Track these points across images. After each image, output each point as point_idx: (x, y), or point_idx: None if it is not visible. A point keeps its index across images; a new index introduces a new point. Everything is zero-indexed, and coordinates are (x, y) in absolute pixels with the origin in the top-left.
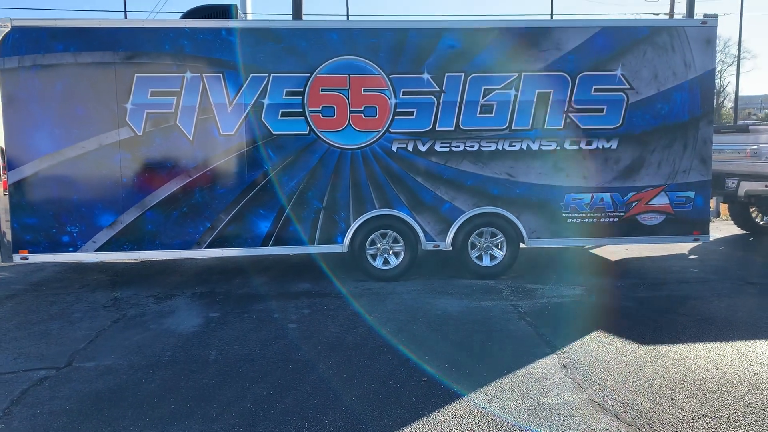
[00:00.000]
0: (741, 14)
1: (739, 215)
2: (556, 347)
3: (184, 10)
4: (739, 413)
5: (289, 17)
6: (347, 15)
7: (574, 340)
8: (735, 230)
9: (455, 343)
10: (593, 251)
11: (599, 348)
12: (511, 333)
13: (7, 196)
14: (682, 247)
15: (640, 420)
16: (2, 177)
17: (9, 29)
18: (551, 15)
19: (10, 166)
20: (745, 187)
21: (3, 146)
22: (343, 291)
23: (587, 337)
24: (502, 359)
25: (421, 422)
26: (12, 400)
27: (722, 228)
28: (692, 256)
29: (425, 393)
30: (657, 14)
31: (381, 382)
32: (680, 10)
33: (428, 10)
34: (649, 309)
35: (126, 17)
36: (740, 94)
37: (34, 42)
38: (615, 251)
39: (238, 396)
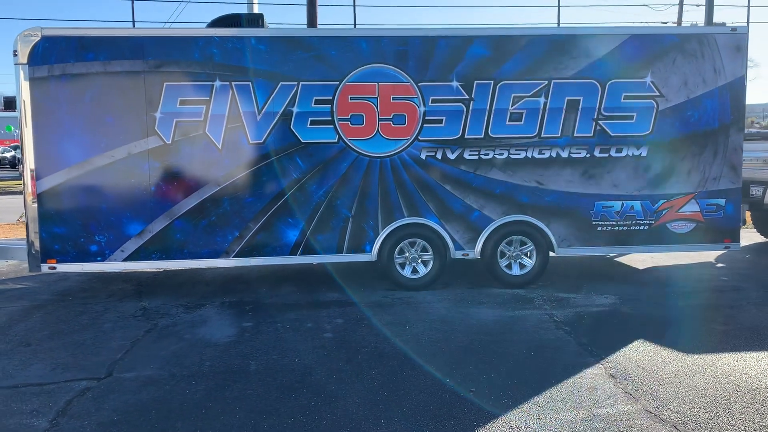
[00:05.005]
0: (748, 23)
1: (765, 223)
2: (600, 357)
3: (197, 19)
4: None
5: (303, 27)
6: (354, 25)
7: (616, 349)
8: (758, 238)
9: (498, 353)
10: (618, 259)
11: (644, 357)
12: (552, 343)
13: (36, 205)
14: (708, 255)
15: (700, 431)
16: (31, 186)
17: (39, 38)
18: (558, 24)
19: (38, 175)
20: None
21: (32, 155)
22: (374, 300)
23: (629, 346)
24: (548, 369)
25: None
26: (58, 411)
27: (745, 236)
28: (720, 264)
29: (477, 404)
30: (665, 23)
31: (429, 393)
32: (687, 19)
33: (431, 20)
34: (687, 317)
35: (134, 26)
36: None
37: (63, 51)
38: (641, 259)
39: (287, 406)
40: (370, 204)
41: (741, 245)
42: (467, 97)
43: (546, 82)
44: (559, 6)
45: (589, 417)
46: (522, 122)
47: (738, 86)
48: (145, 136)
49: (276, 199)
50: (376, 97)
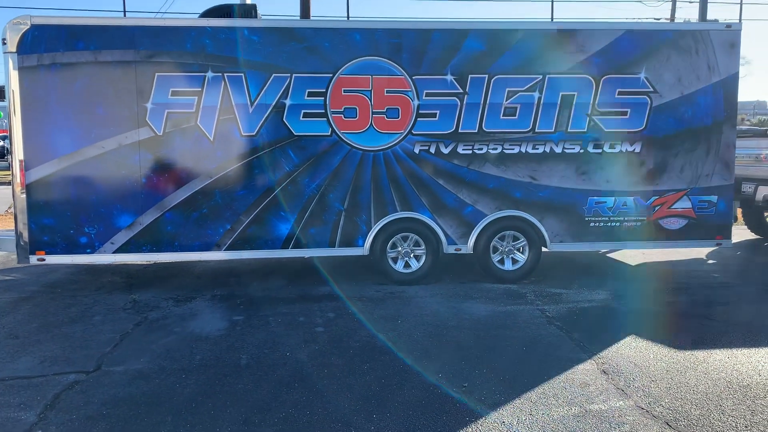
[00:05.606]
0: (740, 20)
1: (755, 220)
2: (592, 352)
3: (188, 10)
4: None
5: (296, 18)
6: (347, 16)
7: (608, 345)
8: (748, 235)
9: (490, 348)
10: (610, 255)
11: (636, 353)
12: (544, 338)
13: (25, 196)
14: (699, 251)
15: (692, 428)
16: (20, 176)
17: (28, 26)
18: (551, 19)
19: (27, 166)
20: (763, 191)
21: (21, 145)
22: (366, 294)
23: (621, 342)
24: (540, 365)
25: (471, 430)
26: (46, 405)
27: (735, 233)
28: (711, 261)
29: (469, 400)
30: (658, 19)
31: (421, 388)
32: (680, 15)
33: (423, 14)
34: (679, 314)
35: (125, 16)
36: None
37: (53, 40)
38: (632, 255)
39: (278, 401)
40: (363, 198)
41: (732, 242)
42: (461, 91)
43: (540, 76)
44: (552, 1)
45: (581, 413)
46: (516, 117)
47: (731, 83)
48: (136, 127)
49: (268, 192)
50: (370, 90)
